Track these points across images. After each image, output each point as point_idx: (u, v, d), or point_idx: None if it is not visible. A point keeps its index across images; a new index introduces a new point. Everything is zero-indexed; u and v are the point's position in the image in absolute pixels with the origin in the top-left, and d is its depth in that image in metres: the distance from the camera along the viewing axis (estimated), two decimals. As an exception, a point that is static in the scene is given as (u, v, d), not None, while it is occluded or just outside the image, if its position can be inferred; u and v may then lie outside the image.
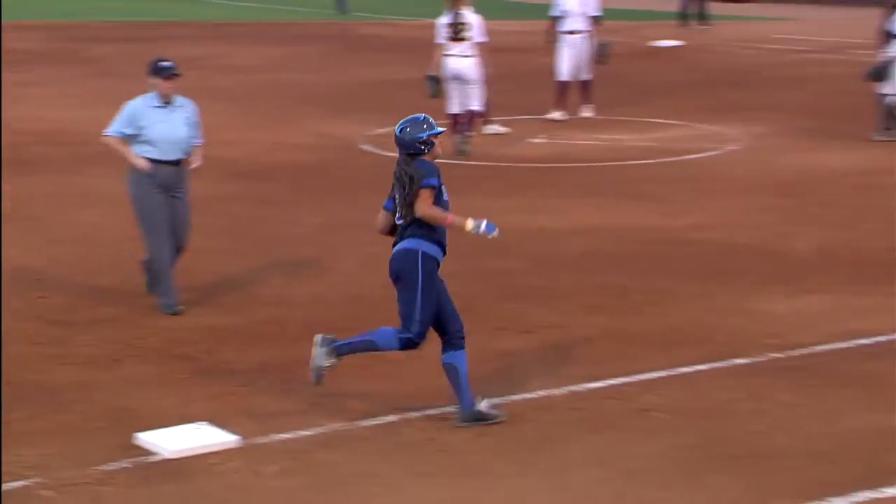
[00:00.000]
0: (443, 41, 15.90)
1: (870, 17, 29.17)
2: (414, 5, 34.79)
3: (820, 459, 6.81)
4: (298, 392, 7.78)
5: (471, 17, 15.94)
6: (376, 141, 16.29)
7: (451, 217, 7.38)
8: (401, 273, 7.36)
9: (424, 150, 7.41)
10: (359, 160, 15.49)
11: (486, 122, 16.92)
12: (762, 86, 21.66)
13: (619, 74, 21.19)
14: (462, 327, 7.41)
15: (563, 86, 18.24)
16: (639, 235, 11.73)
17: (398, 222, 7.42)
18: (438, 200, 7.37)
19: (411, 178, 7.30)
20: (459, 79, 15.89)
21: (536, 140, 16.98)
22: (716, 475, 6.65)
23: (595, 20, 18.20)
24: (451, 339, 7.38)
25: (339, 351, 7.43)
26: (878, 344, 8.56)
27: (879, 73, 16.07)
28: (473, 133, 16.23)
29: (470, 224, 7.39)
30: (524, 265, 10.78)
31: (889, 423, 7.26)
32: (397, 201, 7.39)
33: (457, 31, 15.85)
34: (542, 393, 7.75)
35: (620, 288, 10.00)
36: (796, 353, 8.40)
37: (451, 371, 7.35)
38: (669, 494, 6.46)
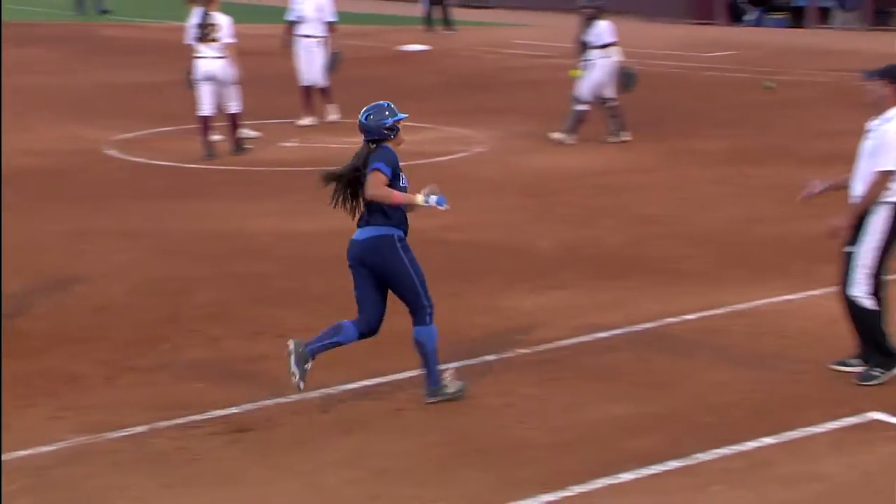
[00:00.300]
0: (192, 42, 15.71)
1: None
2: (160, 7, 34.18)
3: (562, 450, 7.00)
4: (40, 406, 7.56)
5: (220, 18, 15.79)
6: (121, 146, 15.95)
7: (397, 194, 7.52)
8: (379, 263, 7.57)
9: (390, 135, 7.67)
10: (104, 165, 15.14)
11: (239, 126, 16.80)
12: (505, 89, 22.13)
13: (368, 78, 21.31)
14: (431, 302, 7.65)
15: (307, 90, 18.21)
16: (389, 237, 11.82)
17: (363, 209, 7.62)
18: (394, 185, 7.51)
19: (365, 165, 7.51)
20: (213, 80, 15.73)
21: (288, 144, 16.92)
22: (466, 470, 6.76)
23: (330, 25, 18.20)
24: (420, 318, 7.63)
25: (315, 352, 7.55)
26: (615, 336, 8.87)
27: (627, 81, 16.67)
28: (223, 137, 16.10)
29: (419, 198, 7.59)
30: (278, 268, 10.73)
31: (626, 412, 7.52)
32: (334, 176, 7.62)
33: (206, 32, 15.67)
34: (295, 397, 7.72)
35: (372, 289, 10.04)
36: (542, 347, 8.62)
37: (418, 346, 7.66)
38: (421, 491, 6.53)
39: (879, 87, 7.93)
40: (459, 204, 13.28)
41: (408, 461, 6.88)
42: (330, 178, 7.73)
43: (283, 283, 10.29)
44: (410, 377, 8.10)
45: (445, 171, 15.09)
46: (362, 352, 8.54)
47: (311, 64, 18.09)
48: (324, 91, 18.30)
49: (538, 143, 16.87)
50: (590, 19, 16.64)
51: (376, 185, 7.49)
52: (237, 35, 15.99)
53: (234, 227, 12.20)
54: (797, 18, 33.33)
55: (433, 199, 7.64)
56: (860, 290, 7.93)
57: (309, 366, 7.56)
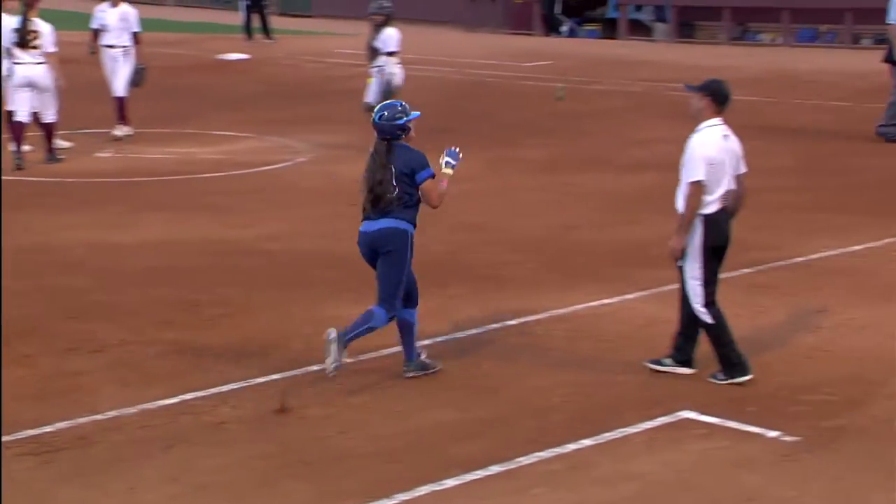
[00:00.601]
0: (9, 47, 15.21)
1: (418, 33, 30.52)
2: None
3: (387, 458, 6.95)
4: None
5: (41, 25, 15.37)
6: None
7: (445, 181, 8.13)
8: (390, 249, 8.00)
9: (402, 134, 8.07)
10: None
11: (54, 136, 16.34)
12: (327, 98, 22.05)
13: (184, 87, 20.99)
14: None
15: (120, 101, 17.72)
16: (210, 248, 11.63)
17: (369, 200, 8.03)
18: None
19: (388, 163, 7.94)
20: (32, 87, 15.30)
21: (103, 154, 16.54)
22: (290, 482, 6.66)
23: (135, 36, 17.71)
24: (414, 303, 8.17)
25: (348, 342, 7.92)
26: (440, 343, 8.86)
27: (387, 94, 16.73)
28: (34, 147, 15.67)
29: (447, 171, 8.16)
30: (91, 282, 10.46)
31: (450, 419, 7.52)
32: (372, 182, 8.00)
33: (25, 39, 15.22)
34: (112, 413, 7.51)
35: (192, 302, 9.87)
36: (366, 356, 8.53)
37: (410, 327, 8.16)
38: (243, 505, 6.42)
39: (697, 100, 8.13)
40: (281, 213, 13.24)
41: (229, 475, 6.74)
42: (376, 191, 8.04)
43: (97, 297, 10.04)
44: (232, 390, 7.96)
45: (268, 181, 14.95)
46: (182, 366, 8.38)
47: (114, 74, 17.65)
48: (120, 103, 17.61)
49: (360, 152, 16.79)
50: (378, 26, 16.70)
51: (440, 194, 8.08)
52: (59, 43, 15.61)
53: (46, 240, 11.88)
54: (609, 30, 34.07)
55: (451, 161, 8.18)
56: (697, 303, 8.13)
57: (345, 356, 7.94)
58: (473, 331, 9.17)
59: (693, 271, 8.10)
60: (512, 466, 6.81)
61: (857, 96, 21.74)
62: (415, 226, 8.14)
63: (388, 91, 16.42)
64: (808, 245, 11.80)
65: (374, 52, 16.78)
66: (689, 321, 8.22)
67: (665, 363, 8.30)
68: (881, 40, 29.17)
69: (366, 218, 8.12)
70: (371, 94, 16.63)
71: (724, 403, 7.71)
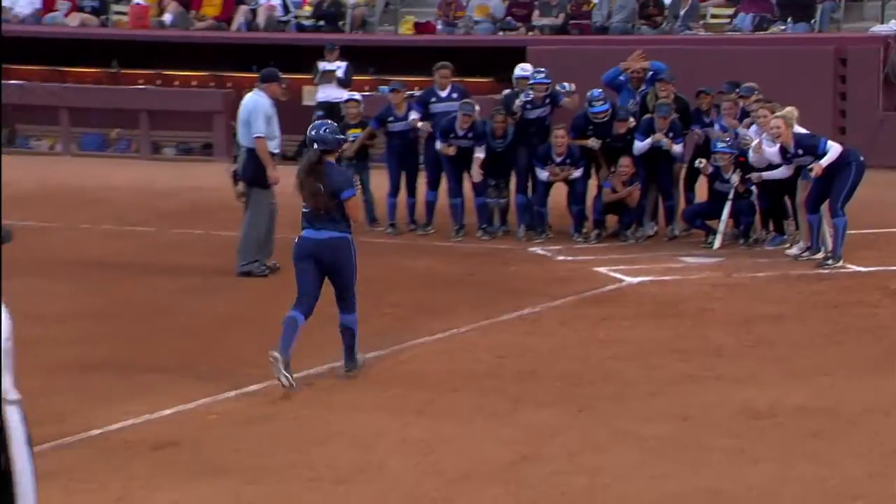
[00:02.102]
0: None
1: None
2: None
3: None
4: None
5: None
6: None
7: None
8: (336, 259, 12.56)
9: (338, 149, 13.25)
10: None
11: None
12: None
13: None
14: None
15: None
16: None
17: (305, 210, 12.63)
18: None
19: (338, 186, 12.67)
20: None
21: None
22: None
23: None
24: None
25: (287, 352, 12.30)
26: None
27: None
28: None
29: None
30: None
31: None
32: (308, 192, 12.56)
33: None
34: None
35: None
36: None
37: (352, 332, 12.78)
38: None
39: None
40: None
41: None
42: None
43: None
44: None
45: None
46: None
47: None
48: None
49: None
50: None
51: (360, 211, 14.20)
52: None
53: None
54: None
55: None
56: None
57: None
58: None
59: None
60: None
61: (161, 219, 22.14)
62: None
63: None
64: (104, 413, 11.73)
65: None
66: None
67: None
68: (186, 150, 30.20)
69: (310, 226, 12.79)
70: None
71: None
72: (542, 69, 20.95)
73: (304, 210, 12.66)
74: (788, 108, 18.33)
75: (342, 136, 13.37)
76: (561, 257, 19.02)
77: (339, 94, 25.81)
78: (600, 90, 20.41)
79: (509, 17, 30.04)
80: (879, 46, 26.92)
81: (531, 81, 20.57)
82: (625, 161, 20.01)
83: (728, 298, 16.38)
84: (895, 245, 19.58)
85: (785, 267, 18.04)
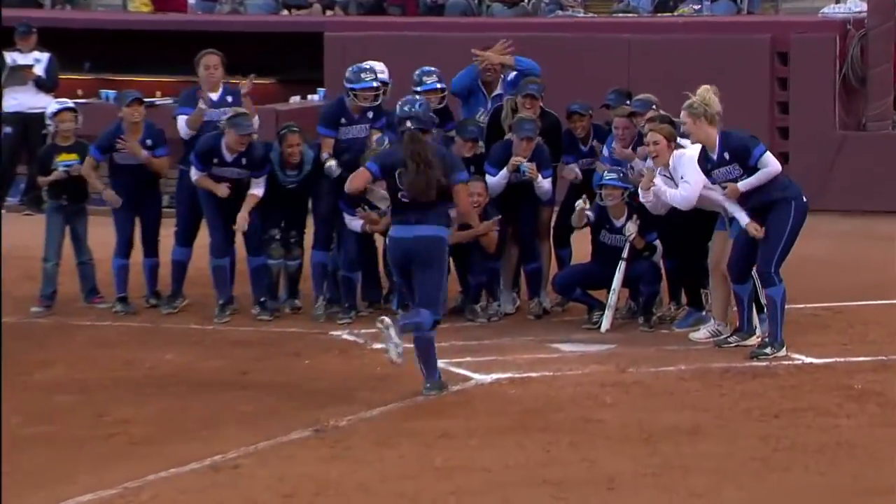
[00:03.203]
0: None
1: None
2: None
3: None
4: None
5: None
6: None
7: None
8: (431, 258, 15.82)
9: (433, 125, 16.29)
10: None
11: None
12: None
13: None
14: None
15: None
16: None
17: (403, 200, 15.86)
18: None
19: (450, 166, 15.98)
20: None
21: None
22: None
23: None
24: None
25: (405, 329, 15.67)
26: None
27: None
28: None
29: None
30: None
31: None
32: (405, 179, 15.56)
33: None
34: None
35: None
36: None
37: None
38: None
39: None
40: None
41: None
42: None
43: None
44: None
45: None
46: None
47: None
48: None
49: None
50: None
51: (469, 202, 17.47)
52: None
53: None
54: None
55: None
56: None
57: None
58: None
59: None
60: None
61: None
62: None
63: None
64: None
65: None
66: None
67: None
68: None
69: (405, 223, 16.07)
70: None
71: None
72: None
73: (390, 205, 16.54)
74: (695, 100, 17.62)
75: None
76: (378, 345, 18.87)
77: (40, 102, 25.47)
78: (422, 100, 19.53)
79: (298, -10, 29.67)
80: (834, 35, 26.80)
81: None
82: (476, 187, 19.03)
83: (622, 404, 16.35)
84: (859, 328, 19.46)
85: (703, 358, 18.04)
